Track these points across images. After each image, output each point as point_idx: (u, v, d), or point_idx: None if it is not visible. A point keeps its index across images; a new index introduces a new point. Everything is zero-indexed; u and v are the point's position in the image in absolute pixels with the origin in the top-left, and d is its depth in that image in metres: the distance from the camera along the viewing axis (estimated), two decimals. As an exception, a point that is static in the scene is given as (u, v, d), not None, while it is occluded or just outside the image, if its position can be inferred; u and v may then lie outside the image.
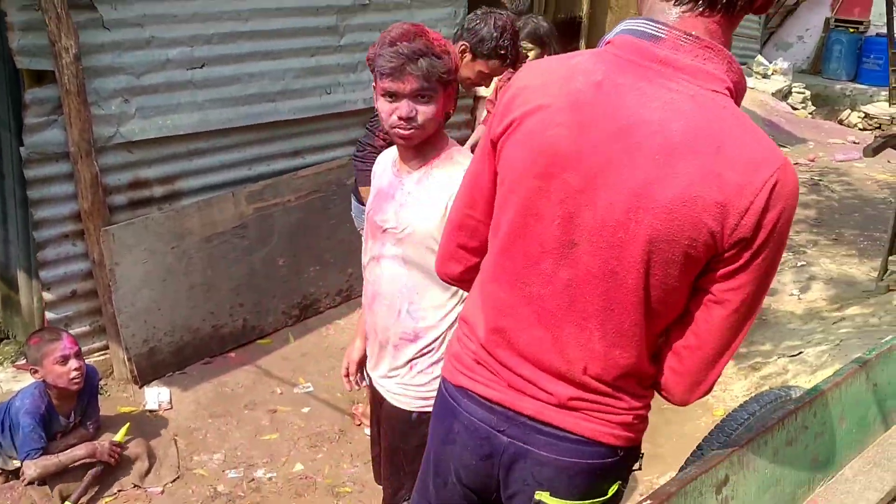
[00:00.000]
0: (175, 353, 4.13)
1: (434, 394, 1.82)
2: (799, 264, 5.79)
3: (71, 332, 3.54)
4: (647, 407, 1.53)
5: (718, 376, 1.45)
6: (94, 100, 3.69)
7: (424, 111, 2.01)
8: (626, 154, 1.31)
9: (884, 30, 9.45)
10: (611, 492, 1.54)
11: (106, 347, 4.07)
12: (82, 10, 3.55)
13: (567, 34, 5.75)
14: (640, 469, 1.61)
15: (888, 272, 4.95)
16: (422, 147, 2.12)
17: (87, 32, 3.58)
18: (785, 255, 5.95)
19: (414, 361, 2.20)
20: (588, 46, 5.64)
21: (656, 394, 1.54)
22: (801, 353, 4.28)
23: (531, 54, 4.23)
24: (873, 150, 4.60)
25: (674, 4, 1.33)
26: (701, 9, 1.31)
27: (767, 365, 4.34)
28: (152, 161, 4.01)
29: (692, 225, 1.28)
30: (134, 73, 3.81)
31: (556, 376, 1.46)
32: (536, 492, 1.52)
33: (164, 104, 3.94)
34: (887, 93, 10.93)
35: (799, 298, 5.32)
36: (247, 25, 4.13)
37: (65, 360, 3.20)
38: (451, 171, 2.07)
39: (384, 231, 2.19)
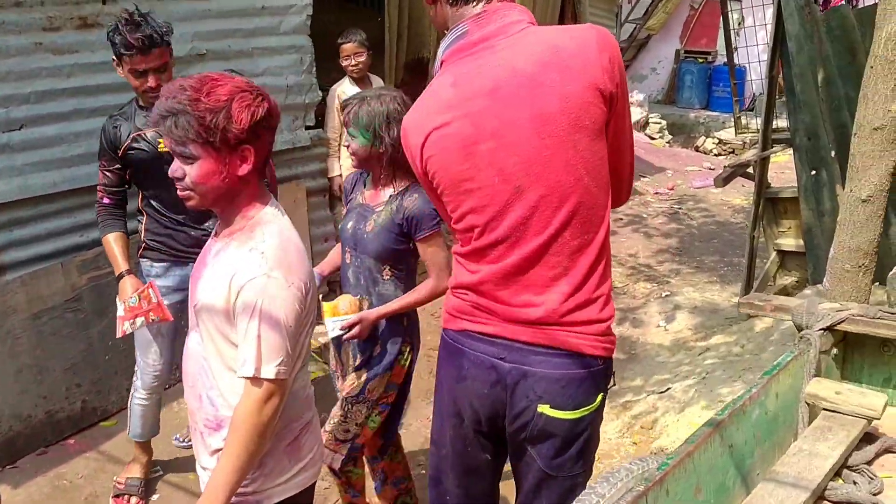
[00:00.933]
0: (4, 446, 3.71)
1: (245, 491, 1.91)
2: (664, 294, 5.85)
3: None
4: (613, 318, 1.85)
5: None
6: None
7: (190, 172, 1.80)
8: (505, 104, 1.68)
9: (729, 60, 9.94)
10: (597, 402, 1.84)
11: (-79, 445, 3.62)
12: None
13: (416, 72, 5.85)
14: (614, 385, 1.94)
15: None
16: (226, 212, 1.90)
17: None
18: (649, 287, 6.03)
19: (219, 453, 1.91)
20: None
21: None
22: (669, 388, 4.26)
23: None
24: (723, 181, 4.68)
25: (459, 8, 1.75)
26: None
27: (638, 403, 4.29)
28: (-34, 234, 3.63)
29: (583, 110, 1.66)
30: (-62, 139, 3.44)
31: (546, 288, 1.76)
32: (538, 406, 1.79)
33: (-24, 171, 3.58)
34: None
35: (666, 329, 5.36)
36: (69, 81, 3.82)
37: None
38: (244, 248, 1.83)
39: (193, 303, 1.97)
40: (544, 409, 1.78)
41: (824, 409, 2.04)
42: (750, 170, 5.01)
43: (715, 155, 11.93)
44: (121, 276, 3.17)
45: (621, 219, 7.60)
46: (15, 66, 3.64)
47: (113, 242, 3.19)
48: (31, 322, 3.75)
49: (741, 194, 8.51)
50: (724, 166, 5.02)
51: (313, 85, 4.92)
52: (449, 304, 1.94)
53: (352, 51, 4.85)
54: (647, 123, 11.86)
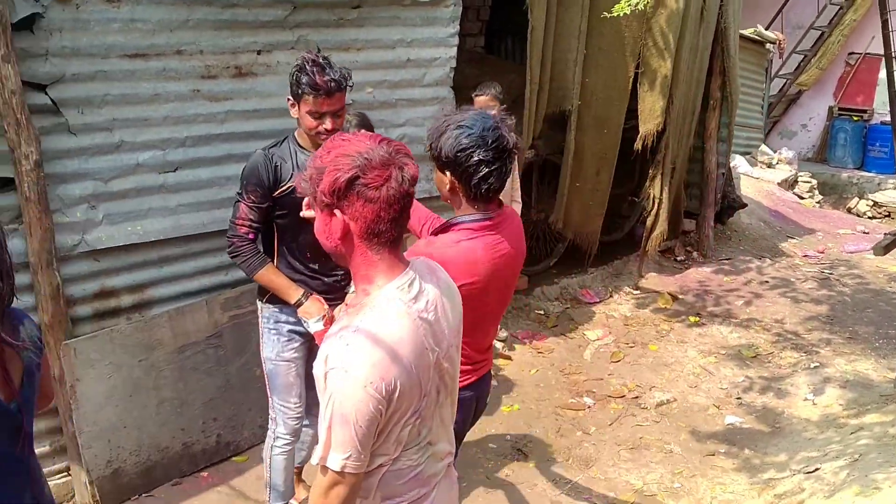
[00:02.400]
0: (142, 475, 3.85)
1: None
2: (812, 366, 5.49)
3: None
4: None
5: None
6: (58, 207, 3.52)
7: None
8: (505, 269, 2.60)
9: (888, 117, 9.33)
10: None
11: (67, 469, 3.79)
12: (46, 115, 3.42)
13: (557, 125, 5.86)
14: None
15: (907, 376, 4.64)
16: (353, 275, 1.87)
17: (50, 138, 3.44)
18: (796, 356, 5.68)
19: None
20: (576, 134, 5.93)
21: None
22: (817, 469, 3.95)
23: None
24: (884, 249, 4.37)
25: (483, 204, 2.54)
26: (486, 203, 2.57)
27: (782, 481, 4.00)
28: (120, 269, 3.81)
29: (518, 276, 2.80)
30: (101, 178, 3.65)
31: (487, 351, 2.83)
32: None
33: (133, 210, 3.77)
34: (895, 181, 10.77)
35: (814, 403, 5.01)
36: (222, 127, 3.99)
37: None
38: (342, 330, 1.76)
39: None
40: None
41: None
42: (914, 237, 4.67)
43: (869, 217, 11.25)
44: (299, 303, 3.11)
45: (767, 282, 7.22)
46: (173, 111, 3.82)
47: (274, 275, 3.14)
48: (175, 356, 3.88)
49: (900, 261, 7.95)
50: (886, 234, 4.68)
51: (454, 135, 4.95)
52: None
53: (484, 104, 4.85)
54: (796, 182, 11.32)
